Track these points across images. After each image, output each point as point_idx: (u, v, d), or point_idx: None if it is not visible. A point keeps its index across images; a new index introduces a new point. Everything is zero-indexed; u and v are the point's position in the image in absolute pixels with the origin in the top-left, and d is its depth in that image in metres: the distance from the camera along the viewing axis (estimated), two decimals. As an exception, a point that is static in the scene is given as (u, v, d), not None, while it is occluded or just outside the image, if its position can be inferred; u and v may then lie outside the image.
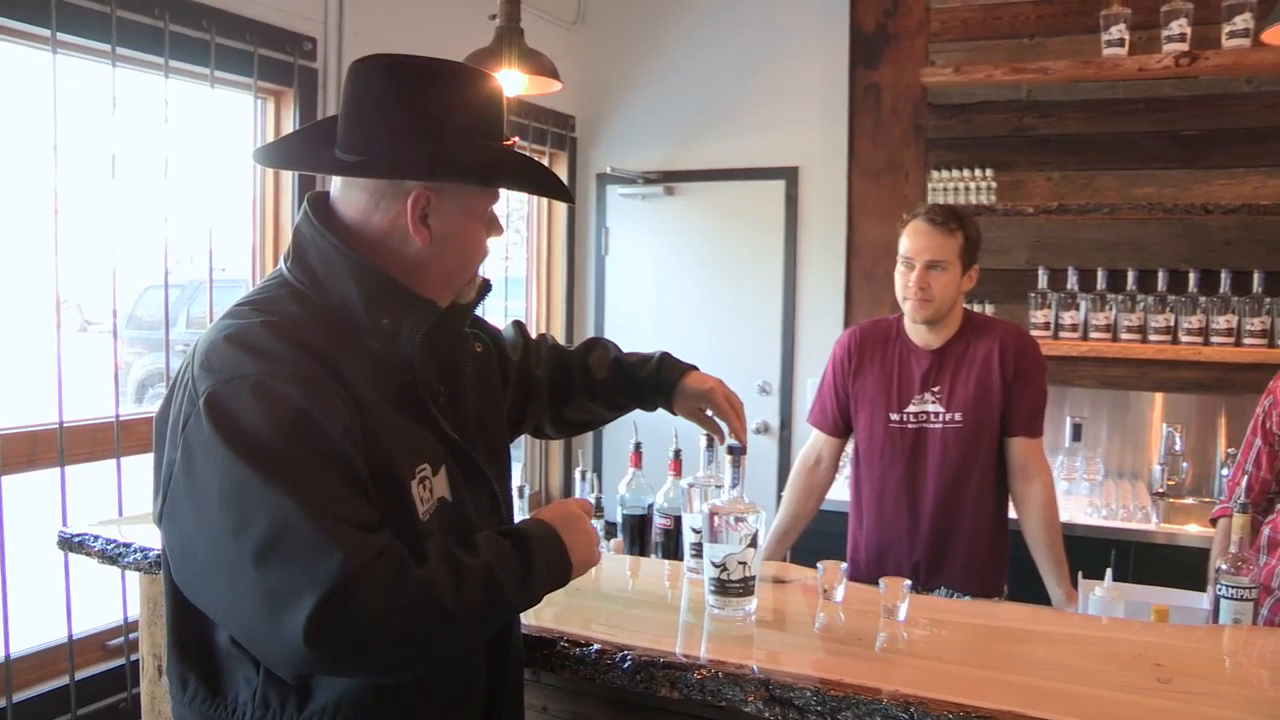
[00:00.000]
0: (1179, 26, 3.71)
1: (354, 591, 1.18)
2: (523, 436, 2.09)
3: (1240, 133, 3.91)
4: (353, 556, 1.19)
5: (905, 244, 2.71)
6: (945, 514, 2.71)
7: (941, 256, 2.65)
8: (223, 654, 1.39)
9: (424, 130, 1.42)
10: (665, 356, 2.00)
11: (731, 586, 1.84)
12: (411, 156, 1.41)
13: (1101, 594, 2.25)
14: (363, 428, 1.31)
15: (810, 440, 2.99)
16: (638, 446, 2.69)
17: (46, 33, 2.66)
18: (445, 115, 1.43)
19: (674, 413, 2.00)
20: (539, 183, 1.59)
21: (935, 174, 4.17)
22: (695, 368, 2.00)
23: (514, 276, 4.90)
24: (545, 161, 4.87)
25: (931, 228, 2.67)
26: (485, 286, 1.63)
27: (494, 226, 1.54)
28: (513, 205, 4.90)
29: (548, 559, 1.46)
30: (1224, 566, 2.14)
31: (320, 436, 1.25)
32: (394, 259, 1.44)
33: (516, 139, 1.57)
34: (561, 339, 4.96)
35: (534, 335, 2.01)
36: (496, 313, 4.65)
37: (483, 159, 1.46)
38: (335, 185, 1.48)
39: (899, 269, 2.73)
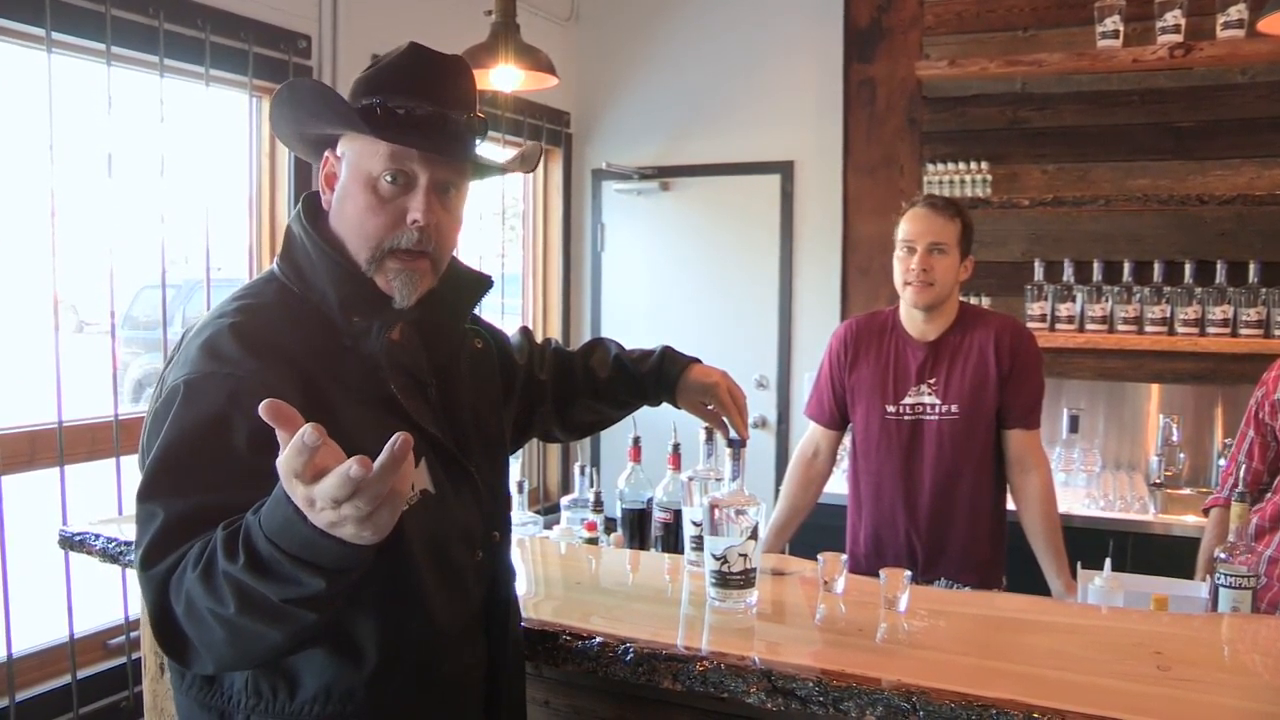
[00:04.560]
0: (1173, 18, 3.72)
1: (168, 615, 1.21)
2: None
3: (1235, 124, 3.91)
4: (157, 578, 1.21)
5: (905, 229, 2.71)
6: (942, 506, 2.71)
7: (943, 239, 2.66)
8: None
9: (340, 96, 1.47)
10: (667, 350, 2.00)
11: (732, 579, 1.85)
12: (307, 99, 1.49)
13: (1100, 584, 2.26)
14: (331, 423, 1.30)
15: (807, 433, 2.99)
16: (636, 441, 2.70)
17: (41, 32, 2.66)
18: (367, 78, 1.47)
19: (678, 406, 2.00)
20: (419, 135, 1.42)
21: (930, 168, 4.17)
22: (697, 360, 2.00)
23: (510, 273, 4.90)
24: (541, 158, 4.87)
25: (932, 212, 2.69)
26: (485, 282, 1.63)
27: (411, 209, 1.42)
28: (509, 201, 4.90)
29: (306, 560, 1.08)
30: (1222, 555, 2.15)
31: (219, 443, 1.27)
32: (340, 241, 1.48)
33: (430, 108, 1.45)
34: (558, 335, 4.98)
35: (539, 340, 2.02)
36: (493, 309, 4.66)
37: (359, 108, 1.42)
38: None
39: (898, 255, 2.73)
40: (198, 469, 1.25)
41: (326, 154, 1.48)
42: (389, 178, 1.42)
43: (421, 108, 1.43)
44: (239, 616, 1.13)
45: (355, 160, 1.44)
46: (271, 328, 1.38)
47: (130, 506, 2.73)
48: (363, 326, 1.41)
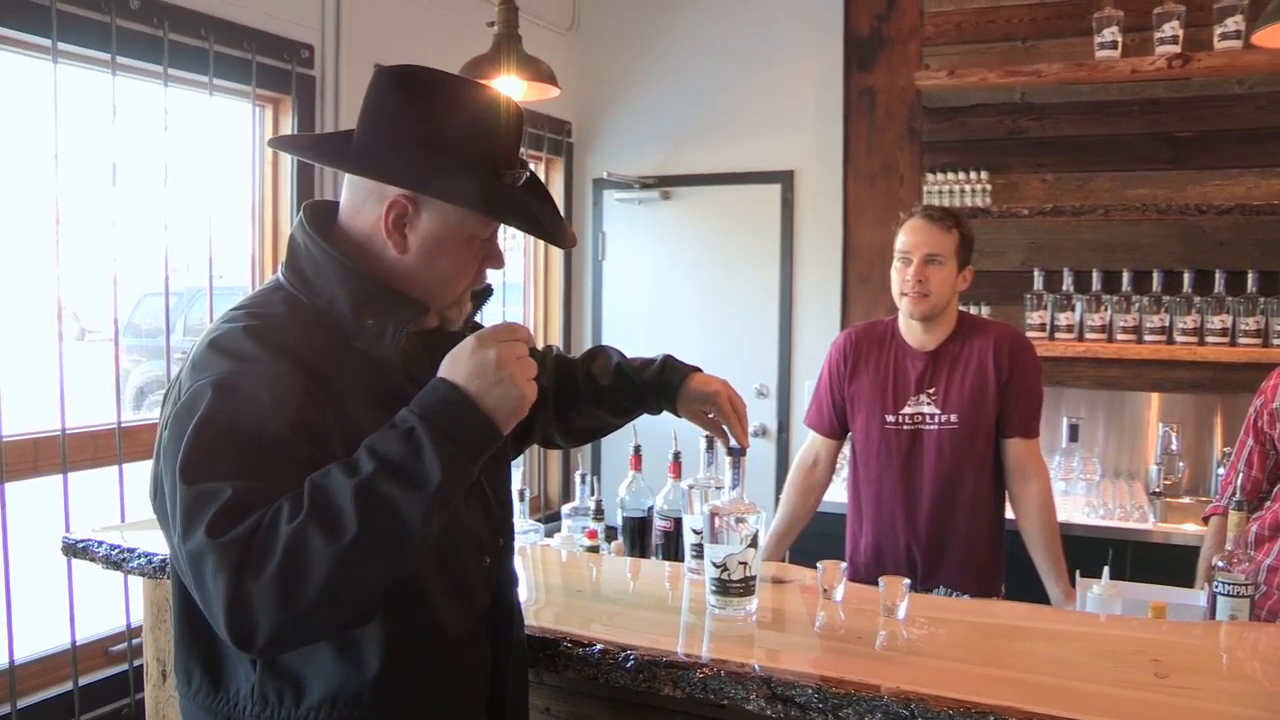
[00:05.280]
0: (1171, 29, 3.73)
1: (246, 588, 1.19)
2: (526, 441, 2.09)
3: (1233, 134, 3.93)
4: (227, 557, 1.19)
5: (902, 240, 2.73)
6: (942, 514, 2.72)
7: (939, 250, 2.67)
8: (224, 649, 1.41)
9: (418, 141, 1.43)
10: (668, 359, 2.01)
11: (732, 586, 1.86)
12: (396, 162, 1.43)
13: (1099, 592, 2.27)
14: (344, 428, 1.34)
15: (807, 442, 3.00)
16: (637, 449, 2.71)
17: (47, 42, 2.67)
18: (444, 131, 1.44)
19: (678, 415, 2.01)
20: (530, 221, 1.51)
21: (930, 177, 4.19)
22: (698, 369, 2.01)
23: (511, 282, 4.91)
24: (542, 168, 4.90)
25: (929, 223, 2.70)
26: (486, 292, 1.65)
27: (492, 257, 1.52)
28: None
29: (453, 432, 1.27)
30: (1220, 564, 2.16)
31: (262, 430, 1.27)
32: (376, 263, 1.46)
33: (527, 173, 1.52)
34: (559, 344, 4.99)
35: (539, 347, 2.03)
36: (494, 318, 4.66)
37: (467, 183, 1.43)
38: (344, 186, 1.52)
39: (896, 265, 2.75)
40: (250, 454, 1.26)
41: (396, 197, 1.43)
42: (484, 238, 1.49)
43: (523, 179, 1.51)
44: (355, 544, 1.18)
45: (456, 221, 1.45)
46: (283, 331, 1.39)
47: (133, 514, 2.77)
48: (377, 329, 1.43)
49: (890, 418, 2.77)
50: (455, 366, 1.33)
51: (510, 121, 1.50)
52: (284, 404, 1.30)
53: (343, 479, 1.22)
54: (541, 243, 4.97)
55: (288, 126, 3.47)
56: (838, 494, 3.17)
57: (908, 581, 1.90)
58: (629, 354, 2.05)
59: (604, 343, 5.01)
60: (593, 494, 2.81)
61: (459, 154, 1.44)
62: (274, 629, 1.20)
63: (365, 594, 1.24)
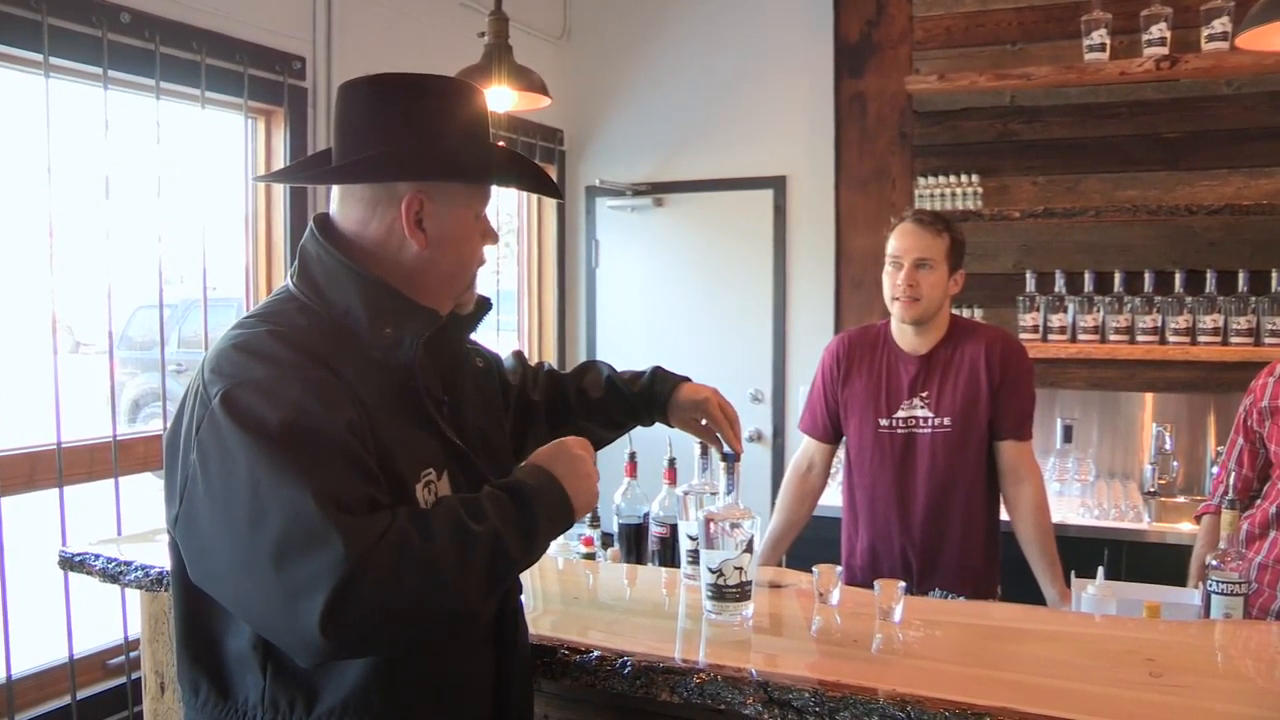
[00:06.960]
0: (1159, 31, 3.75)
1: (362, 583, 1.21)
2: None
3: (1221, 134, 3.95)
4: (357, 547, 1.21)
5: (893, 244, 2.74)
6: (937, 517, 2.73)
7: (929, 255, 2.68)
8: (232, 658, 1.41)
9: (412, 134, 1.47)
10: (657, 370, 2.02)
11: (728, 592, 1.86)
12: (402, 157, 1.46)
13: (1094, 592, 2.28)
14: (372, 429, 1.35)
15: (802, 447, 3.01)
16: (632, 456, 2.71)
17: (39, 57, 2.68)
18: (432, 120, 1.48)
19: (670, 425, 2.02)
20: (528, 179, 1.64)
21: (922, 181, 4.21)
22: (687, 379, 2.02)
23: (505, 289, 4.92)
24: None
25: (919, 228, 2.71)
26: (485, 304, 1.66)
27: (489, 233, 1.57)
28: (502, 218, 4.92)
29: (551, 513, 1.46)
30: (1214, 562, 2.17)
31: (324, 432, 1.29)
32: (392, 267, 1.48)
33: (503, 143, 1.59)
34: (553, 352, 5.00)
35: (532, 363, 2.05)
36: (488, 326, 4.65)
37: (473, 157, 1.51)
38: (334, 203, 1.52)
39: (887, 270, 2.76)
40: (323, 453, 1.27)
41: (411, 194, 1.46)
42: (483, 214, 1.56)
43: (506, 146, 1.61)
44: (471, 580, 1.31)
45: (463, 203, 1.51)
46: (307, 337, 1.40)
47: (130, 527, 2.77)
48: (394, 338, 1.44)
49: (884, 422, 2.78)
50: (554, 462, 1.54)
51: (479, 98, 1.57)
52: (334, 407, 1.31)
53: (473, 522, 1.33)
54: (535, 251, 5.02)
55: (280, 138, 3.47)
56: (833, 498, 3.18)
57: (903, 584, 1.91)
58: (624, 361, 2.06)
59: (599, 349, 5.05)
60: (589, 501, 2.81)
61: (450, 138, 1.49)
62: (362, 637, 1.25)
63: (439, 618, 1.35)
